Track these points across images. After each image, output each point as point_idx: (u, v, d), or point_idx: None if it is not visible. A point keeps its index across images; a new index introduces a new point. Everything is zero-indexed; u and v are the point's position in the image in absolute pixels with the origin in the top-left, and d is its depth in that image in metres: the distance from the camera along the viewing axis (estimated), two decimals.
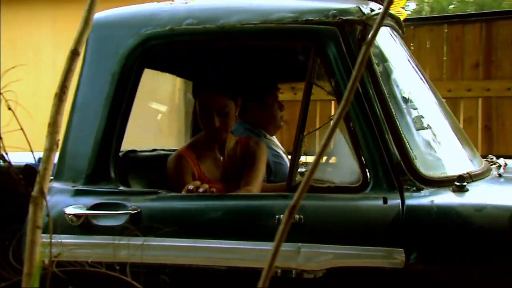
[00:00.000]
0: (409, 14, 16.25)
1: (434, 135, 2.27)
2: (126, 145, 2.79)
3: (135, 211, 2.14)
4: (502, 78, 5.39)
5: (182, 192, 2.28)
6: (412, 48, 5.60)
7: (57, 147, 0.98)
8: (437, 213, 1.97)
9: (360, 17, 2.17)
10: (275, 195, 2.19)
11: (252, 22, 2.20)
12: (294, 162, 2.18)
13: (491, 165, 2.54)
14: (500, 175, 2.36)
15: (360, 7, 2.20)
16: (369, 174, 2.07)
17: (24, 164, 2.28)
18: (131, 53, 2.23)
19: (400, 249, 1.92)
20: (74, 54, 0.98)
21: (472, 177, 2.15)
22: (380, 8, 2.33)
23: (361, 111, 2.08)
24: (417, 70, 2.52)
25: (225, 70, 2.88)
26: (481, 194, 2.07)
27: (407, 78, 2.39)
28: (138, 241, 1.95)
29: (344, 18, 2.16)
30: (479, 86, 5.47)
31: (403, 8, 2.99)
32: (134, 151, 2.78)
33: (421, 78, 2.49)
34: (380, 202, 2.00)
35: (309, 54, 2.20)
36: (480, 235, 1.95)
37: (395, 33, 2.45)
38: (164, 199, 2.20)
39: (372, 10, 2.23)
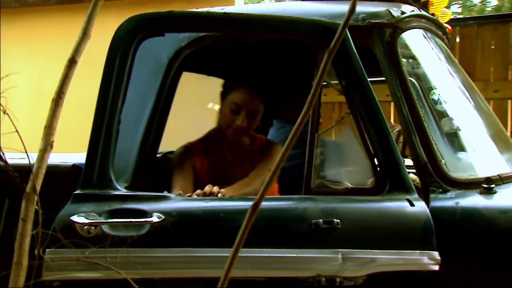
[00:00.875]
0: (489, 11, 15.83)
1: (466, 136, 2.26)
2: None
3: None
4: None
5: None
6: (476, 47, 5.48)
7: (51, 148, 1.06)
8: (462, 215, 1.97)
9: (390, 20, 2.19)
10: (301, 198, 2.09)
11: None
12: (311, 164, 2.11)
13: None
14: None
15: (390, 10, 2.22)
16: (388, 176, 2.07)
17: (71, 164, 2.38)
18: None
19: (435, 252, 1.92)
20: (71, 62, 1.07)
21: (503, 179, 2.13)
22: (412, 11, 2.35)
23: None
24: (454, 71, 2.51)
25: (264, 73, 2.91)
26: (509, 197, 2.05)
27: (440, 80, 2.38)
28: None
29: (373, 21, 2.19)
30: None
31: (446, 8, 2.98)
32: (173, 152, 2.81)
33: (457, 79, 2.47)
34: (406, 204, 2.00)
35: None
36: (505, 237, 1.94)
37: (429, 34, 2.44)
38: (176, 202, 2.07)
39: (403, 13, 2.25)
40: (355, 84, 2.09)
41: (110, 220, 1.98)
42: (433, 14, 2.80)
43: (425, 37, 2.41)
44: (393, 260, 1.94)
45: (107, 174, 2.05)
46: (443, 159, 2.08)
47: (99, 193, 2.04)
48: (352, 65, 2.08)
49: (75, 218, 1.97)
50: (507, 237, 1.93)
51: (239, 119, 2.55)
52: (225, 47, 2.78)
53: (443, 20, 2.91)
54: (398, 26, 2.21)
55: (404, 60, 2.18)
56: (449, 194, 2.03)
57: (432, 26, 2.51)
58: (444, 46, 2.63)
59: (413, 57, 2.27)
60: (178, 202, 2.06)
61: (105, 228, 1.97)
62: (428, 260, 1.92)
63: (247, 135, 2.69)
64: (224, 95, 2.65)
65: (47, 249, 1.79)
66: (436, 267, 1.91)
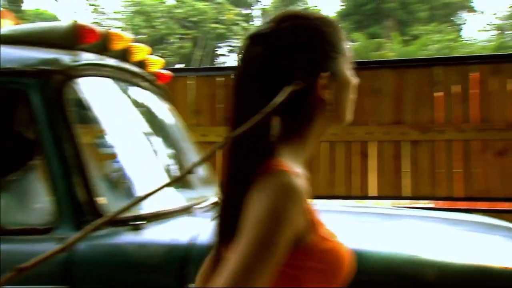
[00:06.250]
0: None
1: (133, 177, 2.42)
2: None
3: None
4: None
5: None
6: None
7: None
8: (98, 251, 2.13)
9: (59, 67, 2.32)
10: None
11: None
12: None
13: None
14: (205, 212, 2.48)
15: (59, 57, 2.34)
16: (58, 215, 2.19)
17: None
18: None
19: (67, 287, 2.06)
20: None
21: (158, 216, 2.30)
22: (92, 60, 2.49)
23: (54, 156, 2.23)
24: (141, 116, 2.70)
25: None
26: (151, 233, 2.21)
27: (113, 125, 2.53)
28: None
29: (41, 68, 2.30)
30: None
31: (156, 56, 3.17)
32: None
33: (141, 123, 2.66)
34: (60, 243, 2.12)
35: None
36: (136, 269, 2.11)
37: (113, 82, 2.61)
38: None
39: (75, 61, 2.38)
40: (47, 130, 2.24)
41: None
42: (141, 62, 2.98)
43: (107, 85, 2.57)
44: None
45: None
46: (102, 197, 2.21)
47: None
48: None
49: None
50: (137, 269, 2.11)
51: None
52: None
53: (153, 67, 3.10)
54: (69, 73, 2.33)
55: (73, 105, 2.30)
56: (101, 232, 2.15)
57: (121, 74, 2.68)
58: (138, 92, 2.81)
59: (87, 103, 2.40)
60: None
61: None
62: None
63: None
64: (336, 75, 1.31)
65: None
66: None
